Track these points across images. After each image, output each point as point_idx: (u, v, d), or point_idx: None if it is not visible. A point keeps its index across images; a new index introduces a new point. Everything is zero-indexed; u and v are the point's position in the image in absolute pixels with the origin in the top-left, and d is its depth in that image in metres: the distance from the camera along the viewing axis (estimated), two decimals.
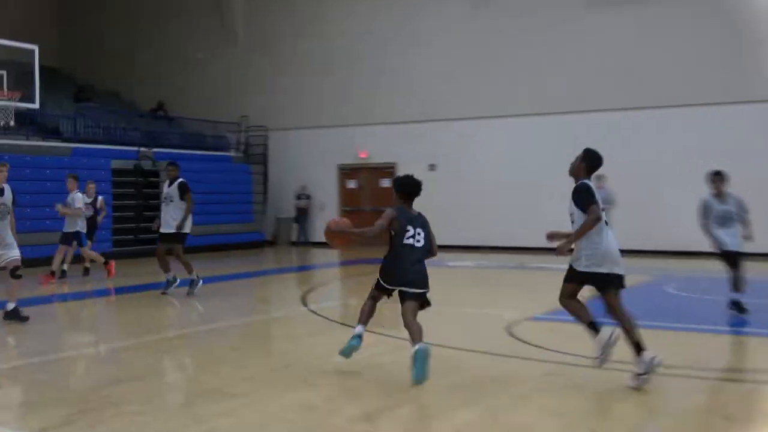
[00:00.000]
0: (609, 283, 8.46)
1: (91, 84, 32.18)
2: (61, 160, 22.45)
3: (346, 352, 9.11)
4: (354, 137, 28.56)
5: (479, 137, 27.03)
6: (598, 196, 8.58)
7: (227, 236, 26.97)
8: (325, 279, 19.49)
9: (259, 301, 15.94)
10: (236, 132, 29.81)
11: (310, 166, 29.49)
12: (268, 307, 15.12)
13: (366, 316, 9.11)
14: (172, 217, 15.23)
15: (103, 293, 16.40)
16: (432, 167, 26.96)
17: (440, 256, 10.07)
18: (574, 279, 8.57)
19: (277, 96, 29.80)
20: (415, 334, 8.58)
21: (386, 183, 27.54)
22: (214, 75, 31.05)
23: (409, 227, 8.84)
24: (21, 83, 18.83)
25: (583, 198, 8.47)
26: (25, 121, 22.35)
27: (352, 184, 29.12)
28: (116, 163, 24.06)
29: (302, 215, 29.62)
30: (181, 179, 15.37)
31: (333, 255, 24.61)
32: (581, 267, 8.48)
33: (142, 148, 25.13)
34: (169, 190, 15.33)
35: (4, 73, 18.75)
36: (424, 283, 8.81)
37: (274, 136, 29.90)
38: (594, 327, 8.61)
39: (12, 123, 18.70)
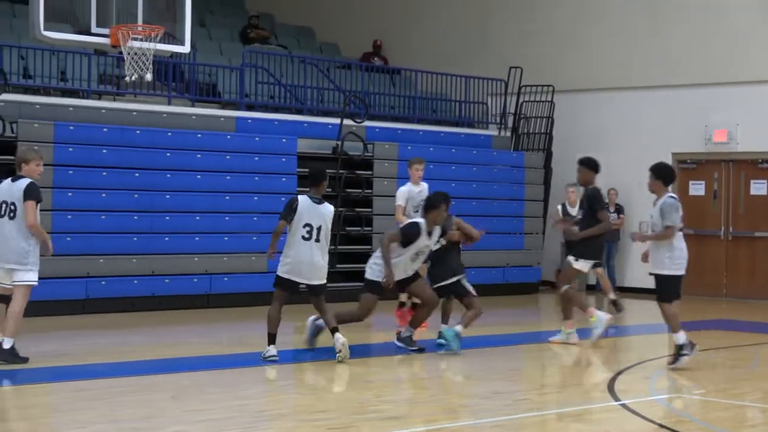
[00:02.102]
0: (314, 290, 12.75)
1: (270, 14, 28.75)
2: (219, 137, 20.20)
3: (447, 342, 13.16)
4: (704, 107, 24.22)
5: None
6: (305, 211, 12.42)
7: (481, 273, 22.32)
8: (649, 352, 17.01)
9: (535, 386, 13.97)
10: (500, 95, 25.91)
11: (623, 154, 25.10)
12: (551, 397, 12.78)
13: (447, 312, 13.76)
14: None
15: None
16: None
17: None
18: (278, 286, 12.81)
19: (572, 39, 26.19)
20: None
21: (761, 188, 23.94)
22: (462, 2, 27.93)
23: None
24: (164, 14, 16.17)
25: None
26: (167, 75, 20.42)
27: (698, 189, 25.27)
28: (304, 144, 21.39)
29: (609, 240, 24.90)
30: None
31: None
32: (280, 272, 12.64)
33: (348, 120, 22.15)
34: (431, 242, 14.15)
35: None
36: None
37: (564, 102, 25.89)
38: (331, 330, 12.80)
39: (149, 77, 16.25)
